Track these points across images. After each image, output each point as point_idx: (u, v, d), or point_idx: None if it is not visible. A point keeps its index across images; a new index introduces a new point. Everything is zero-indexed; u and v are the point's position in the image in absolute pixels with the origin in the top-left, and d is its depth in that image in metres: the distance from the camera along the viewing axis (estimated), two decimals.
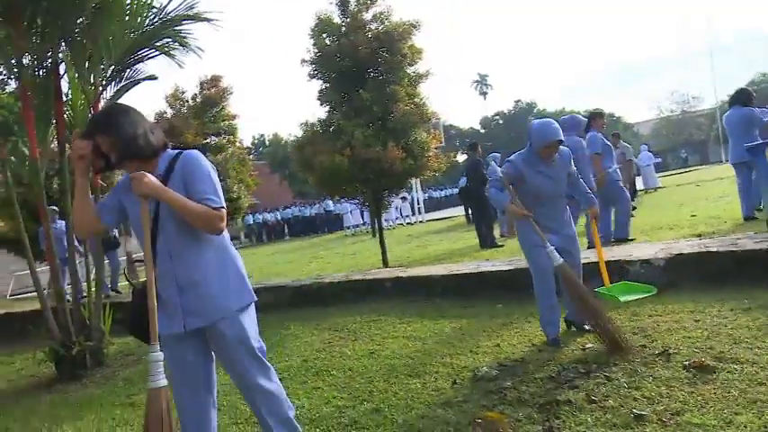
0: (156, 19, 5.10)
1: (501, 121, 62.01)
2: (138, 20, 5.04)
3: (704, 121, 52.77)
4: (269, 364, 2.29)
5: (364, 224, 21.27)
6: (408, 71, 7.85)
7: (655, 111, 55.39)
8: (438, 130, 20.73)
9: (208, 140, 10.38)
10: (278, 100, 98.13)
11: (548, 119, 3.75)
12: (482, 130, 63.26)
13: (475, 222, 9.50)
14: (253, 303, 2.28)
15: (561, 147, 3.72)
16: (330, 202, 24.37)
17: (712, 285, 4.30)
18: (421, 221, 21.84)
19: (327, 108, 7.82)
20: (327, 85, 7.85)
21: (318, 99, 7.82)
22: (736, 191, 7.26)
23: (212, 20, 5.14)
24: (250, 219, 27.74)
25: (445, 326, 4.57)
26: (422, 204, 22.85)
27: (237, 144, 11.12)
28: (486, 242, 8.90)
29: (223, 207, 2.15)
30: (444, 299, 5.44)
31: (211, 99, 11.55)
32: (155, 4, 5.06)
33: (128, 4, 4.95)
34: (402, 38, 7.31)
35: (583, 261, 3.95)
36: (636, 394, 2.69)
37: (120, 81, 5.40)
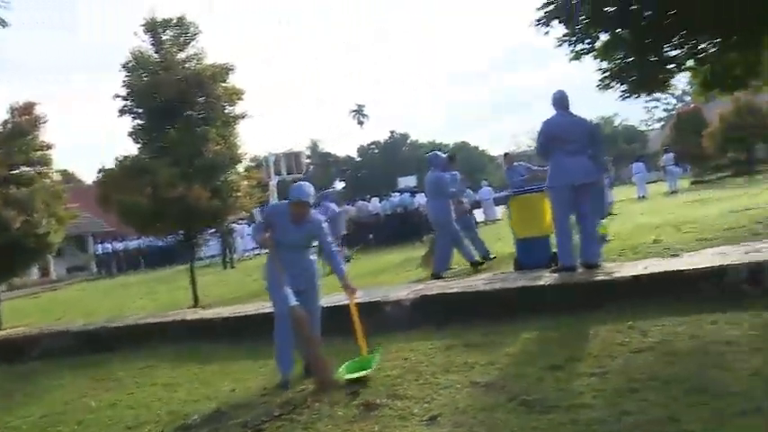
0: None
1: (377, 151, 63.94)
2: None
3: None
4: None
5: (216, 256, 20.77)
6: (225, 112, 8.03)
7: (513, 145, 60.19)
8: (268, 166, 21.02)
9: (15, 171, 9.61)
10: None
11: (304, 182, 4.15)
12: (358, 159, 64.82)
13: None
14: None
15: (315, 216, 4.13)
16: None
17: (447, 324, 4.90)
18: None
19: (139, 145, 7.76)
20: (140, 121, 7.81)
21: (130, 135, 7.75)
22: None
23: None
24: (99, 248, 25.95)
25: (206, 370, 4.73)
26: None
27: (52, 175, 10.34)
28: None
29: None
30: (221, 341, 5.59)
31: (22, 127, 10.71)
32: None
33: None
34: (214, 80, 7.51)
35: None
36: None
37: None
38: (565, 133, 5.06)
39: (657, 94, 34.63)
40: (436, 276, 7.06)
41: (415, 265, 8.26)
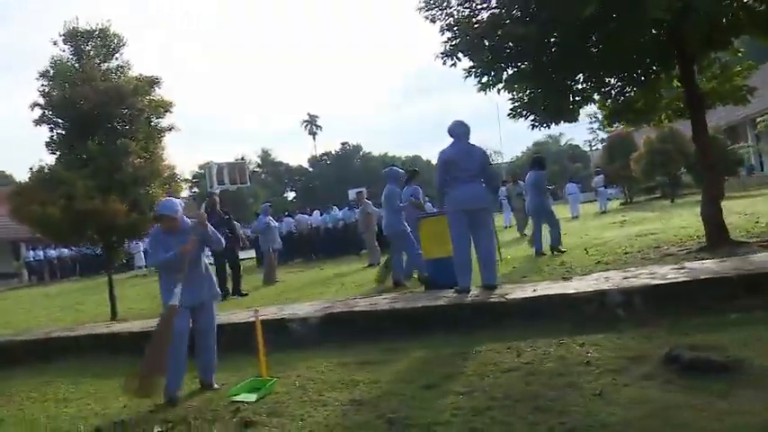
0: None
1: (329, 162, 63.96)
2: None
3: (504, 172, 60.09)
4: None
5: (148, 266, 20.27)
6: (151, 125, 8.00)
7: None
8: (210, 176, 20.77)
9: None
10: None
11: (169, 199, 4.27)
12: (310, 169, 64.66)
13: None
14: None
15: (188, 224, 4.22)
16: None
17: (351, 341, 5.07)
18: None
19: (56, 156, 7.63)
20: (58, 132, 7.69)
21: (47, 146, 7.61)
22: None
23: None
24: (30, 255, 24.88)
25: (104, 386, 4.72)
26: None
27: None
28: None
29: None
30: (124, 356, 5.55)
31: None
32: None
33: None
34: (137, 93, 7.48)
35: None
36: None
37: None
38: (460, 161, 5.36)
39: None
40: (396, 283, 7.56)
41: (377, 276, 8.30)
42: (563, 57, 6.25)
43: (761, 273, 4.55)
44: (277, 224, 13.20)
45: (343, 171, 59.66)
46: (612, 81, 7.59)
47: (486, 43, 5.73)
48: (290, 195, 65.82)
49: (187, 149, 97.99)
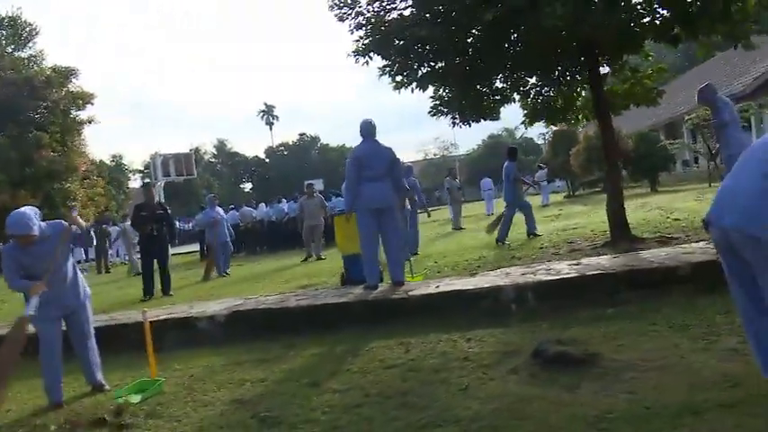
0: None
1: (285, 152, 63.25)
2: None
3: (459, 165, 60.88)
4: None
5: (89, 260, 19.66)
6: (70, 117, 7.76)
7: (421, 153, 61.88)
8: (155, 168, 20.19)
9: None
10: None
11: (18, 212, 3.87)
12: (267, 160, 63.83)
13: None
14: None
15: (45, 230, 3.95)
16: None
17: (257, 338, 5.10)
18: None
19: None
20: None
21: None
22: None
23: None
24: None
25: None
26: None
27: None
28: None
29: None
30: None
31: None
32: None
33: None
34: (50, 84, 7.25)
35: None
36: None
37: None
38: (368, 160, 5.44)
39: None
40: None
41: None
42: (476, 58, 6.38)
43: (640, 269, 4.82)
44: (225, 216, 12.62)
45: (301, 162, 59.10)
46: (531, 81, 7.82)
47: (396, 43, 5.80)
48: (247, 186, 64.85)
49: (141, 138, 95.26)
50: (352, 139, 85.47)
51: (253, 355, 4.66)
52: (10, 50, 7.04)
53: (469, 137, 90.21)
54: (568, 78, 7.69)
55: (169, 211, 8.25)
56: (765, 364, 2.75)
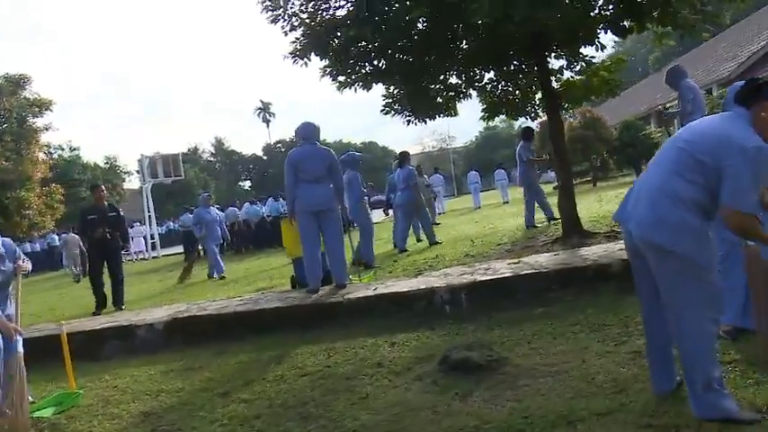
0: None
1: (283, 149, 63.21)
2: None
3: (457, 157, 60.75)
4: None
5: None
6: (26, 125, 7.74)
7: (418, 146, 61.73)
8: (142, 170, 20.08)
9: None
10: None
11: None
12: (264, 157, 63.84)
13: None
14: None
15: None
16: (56, 237, 22.13)
17: (197, 344, 5.06)
18: (155, 257, 21.22)
19: None
20: None
21: None
22: None
23: None
24: None
25: None
26: (157, 239, 22.17)
27: None
28: None
29: None
30: None
31: None
32: None
33: None
34: (0, 93, 7.22)
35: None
36: None
37: None
38: (305, 164, 5.40)
39: None
40: (366, 265, 7.66)
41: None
42: (421, 55, 6.30)
43: (573, 267, 4.76)
44: (218, 215, 11.97)
45: None
46: (489, 75, 7.73)
47: (333, 43, 5.72)
48: (246, 184, 64.91)
49: (140, 139, 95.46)
50: (350, 133, 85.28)
51: (182, 363, 4.63)
52: None
53: (467, 128, 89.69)
54: (526, 71, 7.60)
55: (122, 213, 7.83)
56: (654, 377, 2.67)
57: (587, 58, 7.50)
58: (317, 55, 5.88)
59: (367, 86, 6.28)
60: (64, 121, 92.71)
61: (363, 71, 6.12)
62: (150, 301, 8.47)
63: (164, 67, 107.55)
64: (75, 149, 36.77)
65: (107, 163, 40.99)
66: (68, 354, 4.21)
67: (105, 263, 7.47)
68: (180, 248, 22.58)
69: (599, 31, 6.82)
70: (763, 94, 2.35)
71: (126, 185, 40.42)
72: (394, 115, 7.33)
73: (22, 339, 3.95)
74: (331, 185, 5.56)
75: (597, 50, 7.54)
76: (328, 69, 6.06)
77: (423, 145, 62.86)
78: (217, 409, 3.51)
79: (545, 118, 21.75)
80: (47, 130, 7.47)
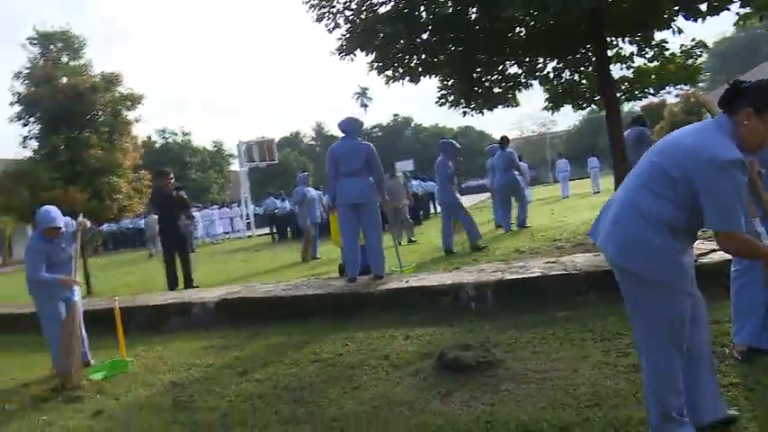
0: None
1: (380, 133, 64.16)
2: None
3: (558, 142, 58.21)
4: None
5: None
6: (119, 118, 8.65)
7: (517, 130, 59.95)
8: (239, 155, 21.04)
9: None
10: None
11: (47, 208, 4.49)
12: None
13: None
14: None
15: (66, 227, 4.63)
16: (142, 222, 23.84)
17: (245, 325, 5.45)
18: (249, 236, 22.57)
19: (28, 151, 8.47)
20: (39, 126, 8.49)
21: (21, 143, 8.45)
22: None
23: None
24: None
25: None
26: (252, 220, 23.60)
27: None
28: None
29: None
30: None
31: None
32: None
33: None
34: (94, 90, 8.11)
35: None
36: None
37: None
38: (344, 158, 5.58)
39: None
40: (475, 248, 7.74)
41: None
42: (471, 47, 6.22)
43: (604, 270, 4.53)
44: (317, 195, 11.57)
45: (394, 143, 59.73)
46: (552, 64, 7.44)
47: (378, 39, 5.79)
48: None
49: (243, 126, 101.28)
50: (445, 118, 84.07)
51: (221, 341, 5.04)
52: (66, 60, 8.08)
53: (569, 113, 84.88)
54: (592, 59, 7.22)
55: (184, 195, 8.01)
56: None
57: (661, 44, 6.98)
58: (362, 51, 6.00)
59: (415, 80, 6.32)
60: (182, 107, 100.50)
61: (411, 65, 6.16)
62: (226, 280, 9.14)
63: (264, 61, 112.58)
64: (187, 134, 39.89)
65: (215, 147, 43.98)
66: (120, 326, 4.74)
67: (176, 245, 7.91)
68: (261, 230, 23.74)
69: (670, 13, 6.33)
70: (746, 99, 2.14)
71: (232, 168, 43.13)
72: (450, 107, 7.29)
73: (78, 289, 4.70)
74: (370, 179, 5.71)
75: (674, 34, 7.01)
76: (375, 64, 6.17)
77: (521, 129, 60.93)
78: (231, 386, 3.83)
79: (644, 104, 19.87)
80: (137, 122, 8.52)
